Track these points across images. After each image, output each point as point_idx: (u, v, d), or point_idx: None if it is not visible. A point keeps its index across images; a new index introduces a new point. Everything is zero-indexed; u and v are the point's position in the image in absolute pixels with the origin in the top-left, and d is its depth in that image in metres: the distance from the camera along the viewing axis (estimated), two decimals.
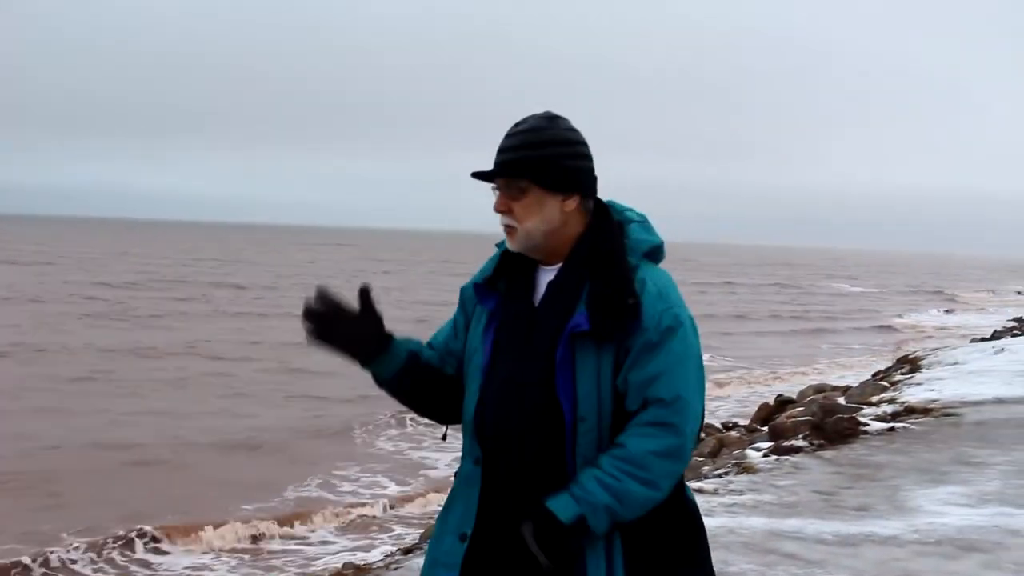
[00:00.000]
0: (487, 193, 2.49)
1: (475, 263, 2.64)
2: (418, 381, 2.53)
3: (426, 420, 2.78)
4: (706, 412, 2.52)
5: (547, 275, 2.47)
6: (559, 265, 2.46)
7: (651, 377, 2.32)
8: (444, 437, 2.72)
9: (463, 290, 2.63)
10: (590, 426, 2.34)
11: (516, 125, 2.46)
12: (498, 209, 2.45)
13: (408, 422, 15.02)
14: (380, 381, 2.53)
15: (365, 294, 2.46)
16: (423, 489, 12.18)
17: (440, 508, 2.59)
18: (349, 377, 12.97)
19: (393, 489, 12.44)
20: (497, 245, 2.60)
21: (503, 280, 2.51)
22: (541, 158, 2.41)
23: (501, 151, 2.44)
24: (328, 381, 17.84)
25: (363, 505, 11.61)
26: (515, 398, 2.39)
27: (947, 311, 47.82)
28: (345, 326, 2.45)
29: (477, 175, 2.48)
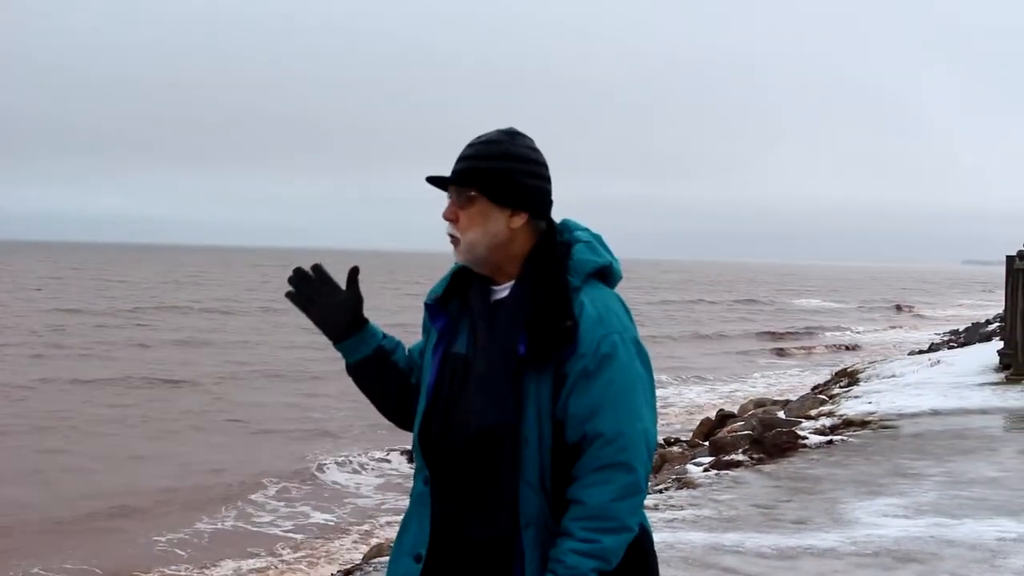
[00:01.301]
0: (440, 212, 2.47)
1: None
2: (380, 376, 2.55)
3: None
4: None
5: (497, 293, 2.45)
6: (506, 284, 2.43)
7: (590, 411, 2.30)
8: (411, 459, 2.69)
9: (425, 307, 2.61)
10: (533, 450, 2.31)
11: (478, 137, 2.46)
12: (446, 217, 2.43)
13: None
14: (348, 367, 2.56)
15: (353, 274, 2.51)
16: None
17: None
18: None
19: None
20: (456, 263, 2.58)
21: (456, 299, 2.49)
22: (492, 170, 2.39)
23: (457, 160, 2.43)
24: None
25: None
26: (459, 419, 2.38)
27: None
28: (327, 298, 2.50)
29: (431, 180, 2.47)
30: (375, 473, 13.43)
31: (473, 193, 2.39)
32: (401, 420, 2.62)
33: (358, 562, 8.63)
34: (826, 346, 37.28)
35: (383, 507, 11.92)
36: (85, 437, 15.41)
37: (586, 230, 2.51)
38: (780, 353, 34.22)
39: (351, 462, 13.94)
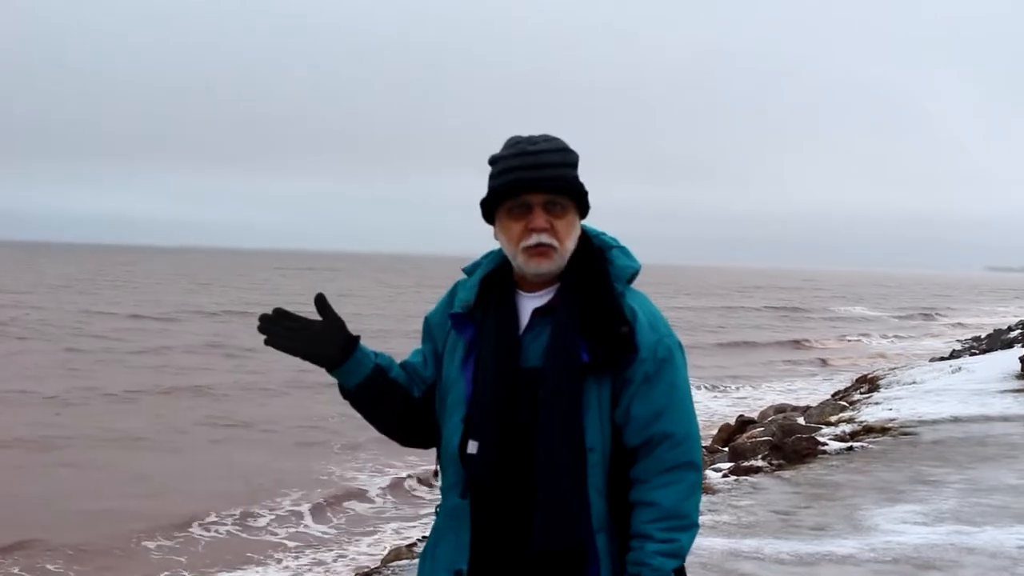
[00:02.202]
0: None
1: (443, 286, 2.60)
2: (383, 396, 2.46)
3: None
4: None
5: (530, 301, 2.43)
6: (546, 291, 2.42)
7: (654, 413, 2.34)
8: (436, 473, 2.58)
9: (428, 319, 2.58)
10: (598, 456, 2.33)
11: (533, 143, 2.40)
12: (539, 227, 2.36)
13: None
14: (345, 392, 2.47)
15: (321, 300, 2.40)
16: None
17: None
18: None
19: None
20: (465, 270, 2.56)
21: (477, 308, 2.45)
22: (576, 179, 2.42)
23: (544, 165, 2.37)
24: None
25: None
26: (515, 431, 2.34)
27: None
28: (303, 332, 2.38)
29: (519, 186, 2.37)
30: (380, 479, 13.40)
31: (566, 202, 2.39)
32: (406, 437, 2.57)
33: (376, 566, 8.66)
34: (847, 353, 36.90)
35: (385, 515, 11.92)
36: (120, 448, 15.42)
37: (607, 234, 2.54)
38: (801, 361, 33.88)
39: (359, 469, 13.94)
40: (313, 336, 2.38)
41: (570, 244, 2.39)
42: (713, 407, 21.12)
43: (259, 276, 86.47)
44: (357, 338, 2.42)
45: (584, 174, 2.46)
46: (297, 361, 2.44)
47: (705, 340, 37.54)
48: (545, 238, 2.35)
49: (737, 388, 24.99)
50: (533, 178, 2.35)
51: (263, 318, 2.37)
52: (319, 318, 2.40)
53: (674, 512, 2.32)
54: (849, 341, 42.24)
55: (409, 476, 13.33)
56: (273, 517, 11.44)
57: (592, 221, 2.53)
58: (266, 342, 2.38)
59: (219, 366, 25.07)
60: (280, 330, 2.37)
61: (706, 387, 23.83)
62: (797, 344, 39.74)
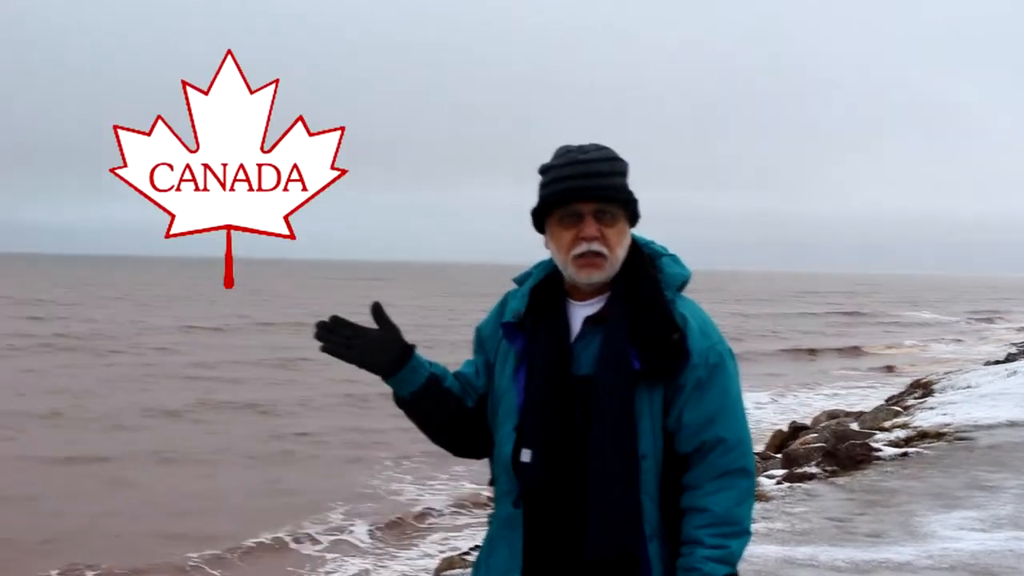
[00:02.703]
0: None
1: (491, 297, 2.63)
2: (438, 406, 2.46)
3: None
4: None
5: (581, 310, 2.44)
6: (597, 299, 2.43)
7: (707, 419, 2.35)
8: (491, 482, 2.58)
9: (479, 330, 2.59)
10: (651, 463, 2.34)
11: (583, 151, 2.41)
12: (590, 235, 2.37)
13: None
14: (400, 400, 2.47)
15: (378, 309, 2.42)
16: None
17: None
18: None
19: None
20: (516, 280, 2.56)
21: (528, 318, 2.46)
22: (626, 187, 2.43)
23: (594, 174, 2.38)
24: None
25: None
26: (568, 439, 2.35)
27: None
28: (359, 339, 2.39)
29: (569, 195, 2.39)
30: (430, 491, 13.37)
31: (617, 210, 2.40)
32: (459, 447, 2.57)
33: None
34: (908, 359, 35.73)
35: (435, 525, 11.82)
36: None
37: (656, 243, 2.55)
38: (859, 368, 33.07)
39: (407, 481, 13.91)
40: (369, 345, 2.39)
41: (620, 252, 2.40)
42: (764, 415, 20.92)
43: (310, 286, 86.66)
44: (412, 347, 2.43)
45: (634, 179, 2.46)
46: (347, 373, 2.47)
47: (761, 347, 36.87)
48: (596, 246, 2.36)
49: (791, 395, 24.62)
50: (583, 187, 2.37)
51: (320, 325, 2.38)
52: (375, 326, 2.42)
53: (725, 518, 2.32)
54: (910, 346, 40.67)
55: (460, 486, 13.34)
56: (322, 531, 11.41)
57: (641, 225, 2.54)
58: (322, 349, 2.40)
59: (272, 378, 25.14)
60: (337, 338, 2.39)
61: (759, 394, 23.52)
62: (856, 350, 38.36)
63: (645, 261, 2.46)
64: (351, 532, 11.44)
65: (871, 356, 36.74)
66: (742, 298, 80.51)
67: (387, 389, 2.50)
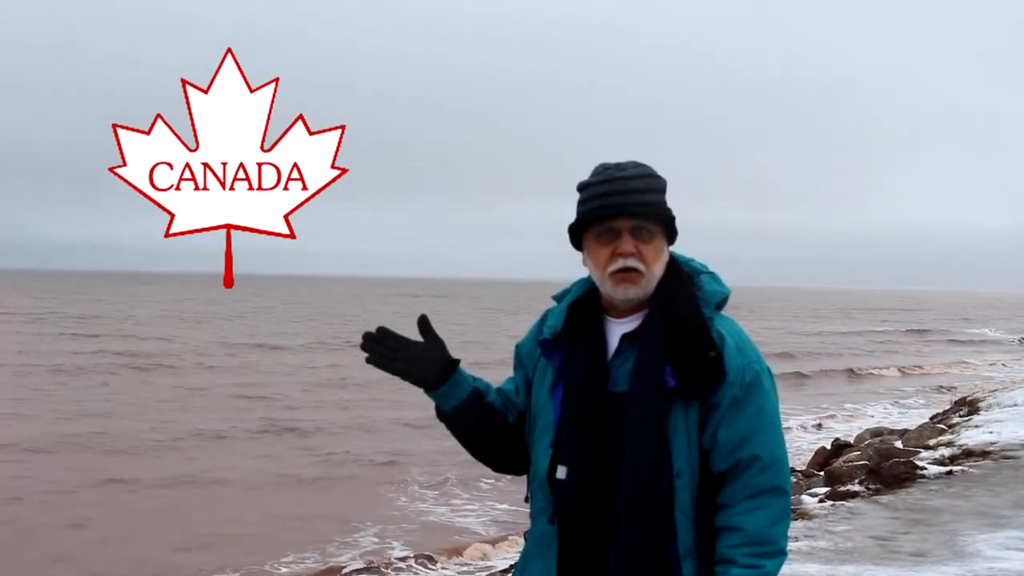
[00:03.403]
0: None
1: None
2: (479, 420, 2.45)
3: None
4: None
5: (618, 327, 2.41)
6: (635, 316, 2.40)
7: (742, 438, 2.31)
8: (527, 499, 2.54)
9: (519, 347, 2.57)
10: (685, 480, 2.31)
11: (620, 168, 2.39)
12: (627, 251, 2.35)
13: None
14: (441, 414, 2.46)
15: (424, 322, 2.41)
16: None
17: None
18: None
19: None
20: (555, 297, 2.54)
21: (565, 335, 2.43)
22: (664, 204, 2.40)
23: (630, 191, 2.36)
24: None
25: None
26: (602, 455, 2.32)
27: None
28: (405, 351, 2.38)
29: (607, 212, 2.36)
30: (468, 510, 13.22)
31: (654, 227, 2.38)
32: (498, 462, 2.56)
33: None
34: (963, 379, 33.93)
35: (472, 542, 11.55)
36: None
37: (695, 260, 2.52)
38: (916, 387, 31.98)
39: (444, 503, 13.72)
40: (415, 357, 2.38)
41: (657, 269, 2.37)
42: (807, 436, 20.50)
43: (368, 304, 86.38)
44: (457, 361, 2.42)
45: (675, 195, 2.44)
46: (396, 391, 2.42)
47: (828, 365, 35.72)
48: (632, 262, 2.34)
49: (839, 415, 24.08)
50: (620, 203, 2.34)
51: (367, 336, 2.37)
52: (420, 339, 2.40)
53: (759, 538, 2.27)
54: (969, 365, 38.44)
55: (493, 506, 13.23)
56: (357, 555, 11.32)
57: (681, 241, 2.50)
58: (368, 360, 2.39)
59: (321, 398, 24.60)
60: (383, 349, 2.37)
61: (800, 416, 23.03)
62: (915, 368, 36.57)
63: (683, 278, 2.43)
64: (389, 554, 11.35)
65: (932, 376, 34.55)
66: (799, 315, 78.78)
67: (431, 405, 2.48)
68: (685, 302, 2.37)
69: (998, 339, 56.21)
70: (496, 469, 2.57)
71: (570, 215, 2.47)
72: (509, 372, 2.62)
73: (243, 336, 42.96)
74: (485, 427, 2.47)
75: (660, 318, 2.36)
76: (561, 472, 2.34)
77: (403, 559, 10.81)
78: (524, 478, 2.53)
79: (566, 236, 2.50)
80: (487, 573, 9.47)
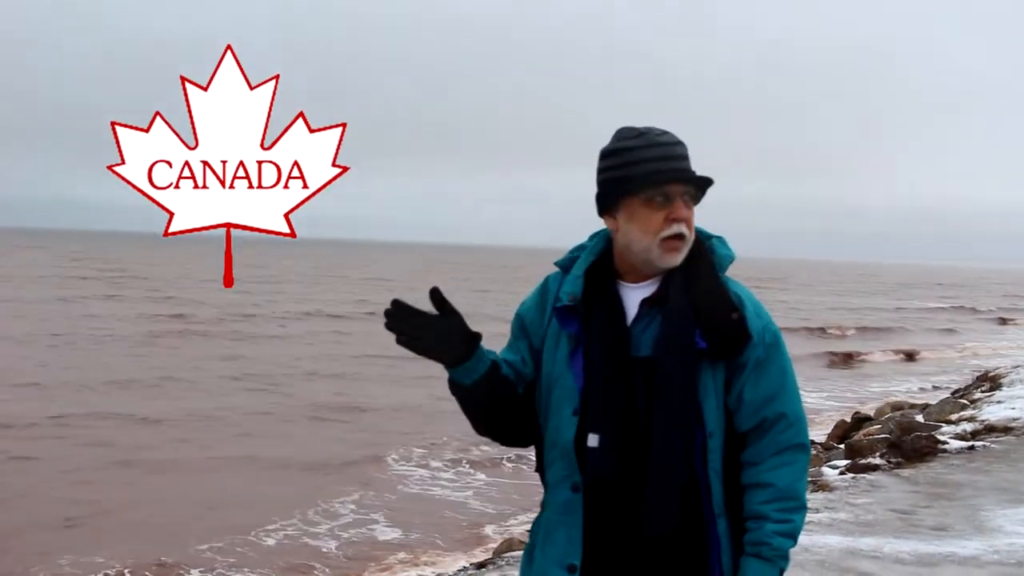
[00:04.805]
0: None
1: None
2: (495, 393, 2.31)
3: None
4: None
5: (635, 292, 2.35)
6: (650, 281, 2.35)
7: (768, 396, 2.31)
8: (537, 469, 2.48)
9: (521, 316, 2.46)
10: (717, 441, 2.28)
11: (661, 134, 2.32)
12: (683, 216, 2.30)
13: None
14: (458, 388, 2.29)
15: (436, 294, 2.23)
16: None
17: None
18: None
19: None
20: (558, 264, 2.45)
21: (581, 302, 2.34)
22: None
23: (684, 157, 2.32)
24: None
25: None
26: (634, 421, 2.26)
27: None
28: (427, 328, 2.21)
29: (664, 176, 2.29)
30: (466, 479, 12.78)
31: (696, 194, 2.36)
32: (506, 435, 2.44)
33: (489, 556, 8.58)
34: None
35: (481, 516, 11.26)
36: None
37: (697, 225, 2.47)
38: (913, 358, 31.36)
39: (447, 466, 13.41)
40: (439, 335, 2.21)
41: (692, 235, 2.35)
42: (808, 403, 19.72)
43: (402, 269, 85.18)
44: (479, 335, 2.26)
45: (708, 168, 2.39)
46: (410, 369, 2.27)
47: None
48: (682, 228, 2.30)
49: (853, 389, 23.63)
50: (677, 169, 2.30)
51: (388, 315, 2.20)
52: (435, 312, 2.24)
53: (789, 493, 2.28)
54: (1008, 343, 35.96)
55: (502, 465, 13.01)
56: (344, 513, 11.01)
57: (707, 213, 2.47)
58: (397, 341, 2.22)
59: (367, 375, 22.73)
60: (407, 328, 2.20)
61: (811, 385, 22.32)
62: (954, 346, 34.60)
63: (700, 243, 2.39)
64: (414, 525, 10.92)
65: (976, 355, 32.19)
66: (840, 291, 75.16)
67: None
68: (704, 266, 2.34)
69: None
70: (504, 443, 2.46)
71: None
72: None
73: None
74: (500, 400, 2.34)
75: (682, 282, 2.31)
76: (593, 440, 2.27)
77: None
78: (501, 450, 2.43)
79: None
80: (513, 535, 9.36)
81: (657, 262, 2.31)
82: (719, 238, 2.45)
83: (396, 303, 2.21)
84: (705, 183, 2.35)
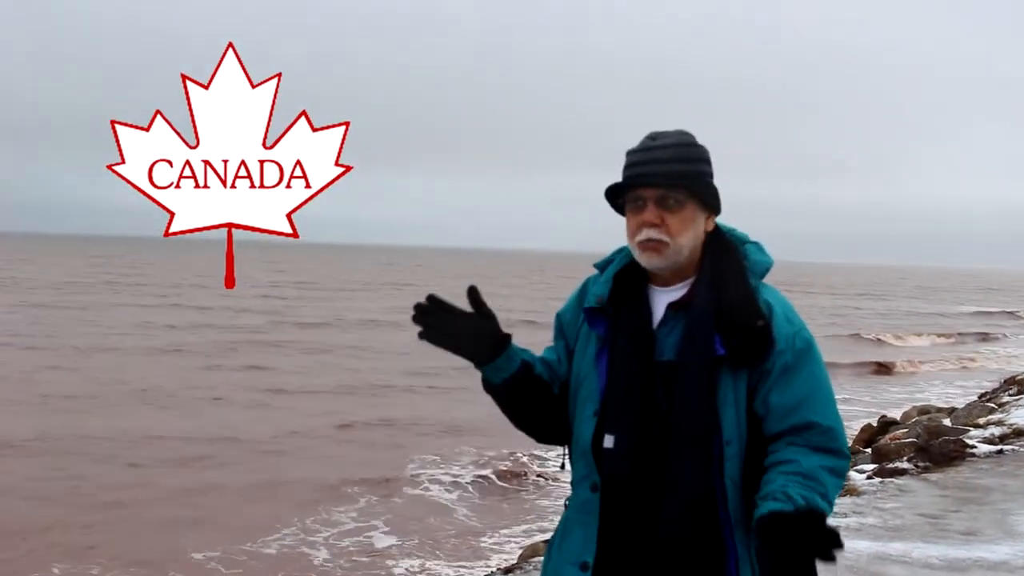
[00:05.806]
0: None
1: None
2: (528, 392, 2.31)
3: None
4: None
5: (663, 296, 2.31)
6: (679, 285, 2.31)
7: (797, 402, 2.21)
8: (563, 467, 2.48)
9: (560, 316, 2.46)
10: (735, 448, 2.20)
11: (654, 138, 2.30)
12: (651, 222, 2.25)
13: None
14: (489, 386, 2.30)
15: (474, 293, 2.21)
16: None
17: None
18: None
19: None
20: (596, 266, 2.43)
21: (610, 303, 2.33)
22: (698, 172, 2.29)
23: (654, 161, 2.26)
24: None
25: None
26: (652, 424, 2.22)
27: None
28: (460, 325, 2.21)
29: (630, 183, 2.28)
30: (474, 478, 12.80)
31: (682, 196, 2.27)
32: (544, 433, 2.42)
33: (514, 562, 8.48)
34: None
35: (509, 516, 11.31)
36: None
37: (737, 230, 2.41)
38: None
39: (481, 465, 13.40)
40: (469, 333, 2.21)
41: (684, 240, 2.26)
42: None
43: (423, 274, 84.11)
44: (508, 336, 2.26)
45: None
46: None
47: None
48: (654, 233, 2.25)
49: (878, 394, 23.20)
50: (644, 173, 2.26)
51: (418, 308, 2.19)
52: (470, 309, 2.24)
53: (810, 473, 2.13)
54: None
55: (528, 471, 12.87)
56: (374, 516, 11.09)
57: (733, 215, 2.37)
58: (421, 336, 2.21)
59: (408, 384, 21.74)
60: (436, 323, 2.20)
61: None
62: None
63: (730, 248, 2.33)
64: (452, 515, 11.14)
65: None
66: (887, 295, 72.88)
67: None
68: (733, 272, 2.28)
69: None
70: (539, 440, 2.45)
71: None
72: None
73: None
74: (534, 399, 2.33)
75: (707, 287, 2.26)
76: (608, 441, 2.25)
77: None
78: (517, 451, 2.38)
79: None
80: (541, 541, 9.26)
81: (640, 263, 2.31)
82: (755, 244, 2.39)
83: (431, 298, 2.21)
84: (680, 185, 2.25)
